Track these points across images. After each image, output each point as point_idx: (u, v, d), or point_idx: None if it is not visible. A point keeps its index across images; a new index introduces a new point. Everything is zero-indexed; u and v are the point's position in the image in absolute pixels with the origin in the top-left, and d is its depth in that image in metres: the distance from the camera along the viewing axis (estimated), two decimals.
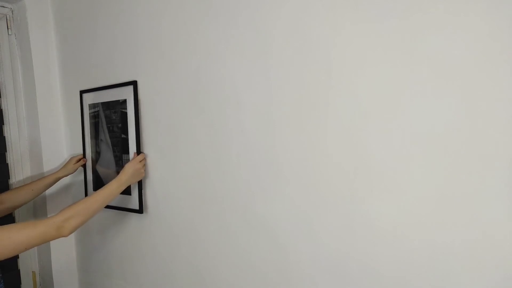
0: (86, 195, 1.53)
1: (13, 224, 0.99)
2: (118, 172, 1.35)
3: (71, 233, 1.06)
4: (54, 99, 1.61)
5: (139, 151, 1.30)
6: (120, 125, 1.35)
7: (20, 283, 1.68)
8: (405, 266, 0.80)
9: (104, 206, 1.17)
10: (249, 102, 1.00)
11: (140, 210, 1.33)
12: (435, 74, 0.72)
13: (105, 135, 1.42)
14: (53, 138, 1.61)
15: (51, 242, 1.63)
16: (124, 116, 1.32)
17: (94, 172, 1.49)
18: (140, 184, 1.31)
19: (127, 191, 1.36)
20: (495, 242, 0.69)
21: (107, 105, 1.39)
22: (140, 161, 1.26)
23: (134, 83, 1.27)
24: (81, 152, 1.53)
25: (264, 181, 1.00)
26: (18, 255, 1.66)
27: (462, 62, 0.70)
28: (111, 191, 1.18)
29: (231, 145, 1.06)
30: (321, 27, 0.85)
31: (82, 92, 1.48)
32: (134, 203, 1.34)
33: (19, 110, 1.61)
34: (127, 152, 1.34)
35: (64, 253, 1.66)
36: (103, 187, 1.19)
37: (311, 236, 0.93)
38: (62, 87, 1.62)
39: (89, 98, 1.46)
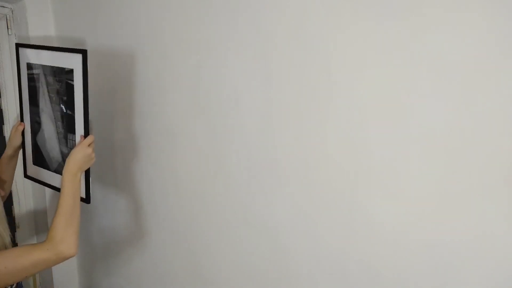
0: (25, 171, 1.39)
1: (8, 250, 0.94)
2: (62, 154, 1.24)
3: (76, 250, 0.99)
4: None
5: (87, 133, 1.15)
6: (65, 98, 1.18)
7: (20, 283, 1.68)
8: (406, 266, 0.80)
9: (78, 203, 1.07)
10: (249, 102, 1.00)
11: (87, 200, 1.21)
12: (435, 74, 0.72)
13: (46, 105, 1.24)
14: None
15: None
16: (70, 88, 1.15)
17: (35, 147, 1.32)
18: (87, 171, 1.18)
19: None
20: (495, 242, 0.70)
21: (50, 70, 1.20)
22: (89, 145, 1.12)
23: (83, 52, 1.09)
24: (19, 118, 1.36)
25: (264, 181, 1.00)
26: None
27: (462, 62, 0.70)
28: (72, 187, 1.07)
29: (231, 145, 1.06)
30: (322, 27, 0.85)
31: (18, 46, 1.27)
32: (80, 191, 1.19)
33: (19, 110, 1.61)
34: (73, 131, 1.18)
35: None
36: (61, 188, 1.07)
37: (311, 236, 0.93)
38: None
39: (28, 56, 1.26)
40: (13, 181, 1.62)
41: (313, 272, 0.94)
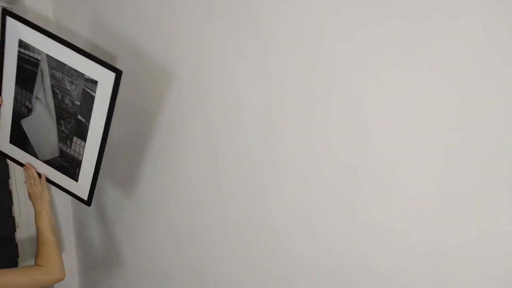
0: None
1: (5, 272, 1.04)
2: (61, 151, 1.24)
3: (64, 274, 1.17)
4: None
5: (102, 152, 1.16)
6: (78, 103, 1.12)
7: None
8: (406, 266, 0.80)
9: (55, 231, 1.23)
10: (249, 102, 1.00)
11: (88, 202, 1.25)
12: (436, 75, 0.72)
13: (45, 96, 1.17)
14: None
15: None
16: (89, 98, 1.09)
17: (17, 126, 1.25)
18: (95, 175, 1.21)
19: (73, 177, 1.25)
20: (496, 242, 0.70)
21: (60, 65, 1.10)
22: (30, 187, 1.25)
23: (118, 73, 1.03)
24: None
25: (264, 181, 1.00)
26: (18, 254, 1.66)
27: (462, 62, 0.70)
28: (47, 221, 1.22)
29: (231, 145, 1.06)
30: (322, 27, 0.85)
31: (5, 13, 1.10)
32: (81, 190, 1.27)
33: None
34: (84, 139, 1.16)
35: (64, 253, 1.65)
36: (38, 224, 1.22)
37: (312, 236, 0.93)
38: None
39: (24, 33, 1.11)
40: (13, 181, 1.63)
41: (313, 272, 0.94)
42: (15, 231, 1.66)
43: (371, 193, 0.83)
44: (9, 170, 1.62)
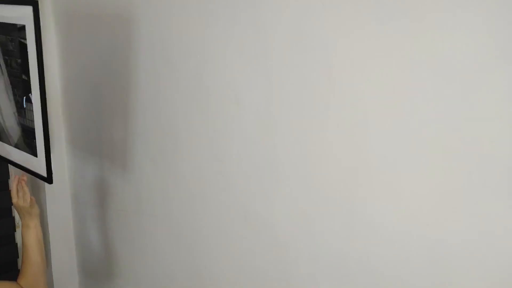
0: None
1: None
2: (22, 126, 1.11)
3: None
4: (54, 98, 1.61)
5: (44, 104, 0.99)
6: (19, 60, 1.02)
7: None
8: (406, 266, 0.80)
9: (42, 247, 1.16)
10: (249, 101, 1.00)
11: (48, 179, 1.10)
12: (436, 75, 0.72)
13: (1, 69, 1.08)
14: None
15: (50, 241, 1.63)
16: (24, 48, 0.98)
17: None
18: (47, 147, 1.06)
19: (33, 153, 1.09)
20: (496, 242, 0.70)
21: (0, 27, 1.02)
22: (16, 200, 1.14)
23: (34, 4, 0.93)
24: None
25: (264, 181, 1.00)
26: (18, 254, 1.66)
27: (462, 62, 0.70)
28: (33, 238, 1.14)
29: (231, 145, 1.06)
30: (322, 27, 0.86)
31: None
32: (42, 170, 1.10)
33: None
34: (30, 100, 1.03)
35: (64, 253, 1.66)
36: (24, 241, 1.14)
37: (311, 235, 0.93)
38: (62, 87, 1.62)
39: None
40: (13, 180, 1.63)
41: (313, 271, 0.94)
42: (15, 231, 1.66)
43: (371, 193, 0.83)
44: (9, 170, 1.62)
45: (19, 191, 1.16)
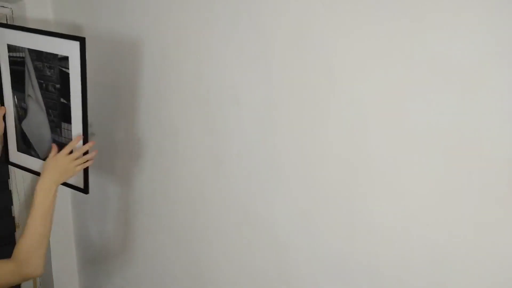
0: (6, 158, 1.31)
1: None
2: (54, 141, 1.18)
3: (42, 271, 0.96)
4: None
5: (86, 127, 1.10)
6: (58, 86, 1.13)
7: (20, 283, 1.68)
8: (406, 266, 0.80)
9: (50, 221, 1.02)
10: (249, 101, 1.00)
11: (85, 190, 1.18)
12: (435, 75, 0.72)
13: (34, 91, 1.18)
14: None
15: (50, 241, 1.63)
16: (65, 77, 1.10)
17: (20, 134, 1.25)
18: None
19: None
20: (496, 242, 0.70)
21: (38, 55, 1.14)
22: (67, 154, 1.05)
23: (81, 40, 1.06)
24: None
25: (264, 181, 1.00)
26: None
27: (462, 62, 0.70)
28: (42, 204, 1.00)
29: (231, 145, 1.06)
30: (322, 27, 0.86)
31: None
32: (78, 181, 1.18)
33: None
34: (69, 121, 1.13)
35: (64, 253, 1.66)
36: (32, 203, 1.02)
37: (312, 235, 0.93)
38: None
39: (8, 37, 1.18)
40: (13, 181, 1.63)
41: (313, 271, 0.94)
42: (15, 231, 1.66)
43: (371, 193, 0.83)
44: (9, 170, 1.62)
45: (75, 154, 1.08)
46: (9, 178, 1.63)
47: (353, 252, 0.87)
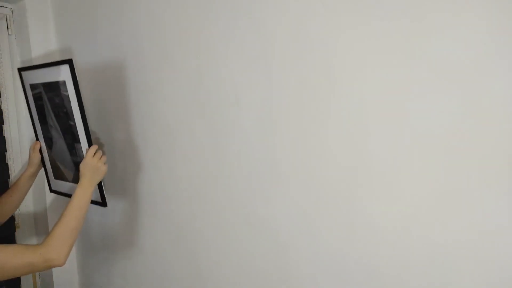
0: (49, 186, 1.44)
1: (3, 245, 0.95)
2: (74, 163, 1.28)
3: (65, 261, 1.01)
4: None
5: (90, 141, 1.18)
6: (65, 110, 1.21)
7: (20, 283, 1.68)
8: (406, 266, 0.80)
9: (84, 215, 1.10)
10: (249, 101, 1.00)
11: (103, 203, 1.25)
12: (435, 75, 0.72)
13: (53, 121, 1.28)
14: None
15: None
16: (68, 100, 1.19)
17: (52, 162, 1.38)
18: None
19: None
20: (496, 242, 0.70)
21: (48, 87, 1.24)
22: (93, 156, 1.16)
23: (69, 62, 1.13)
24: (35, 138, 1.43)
25: (264, 181, 1.00)
26: None
27: (462, 62, 0.70)
28: (80, 200, 1.10)
29: (231, 145, 1.06)
30: (322, 27, 0.86)
31: (20, 70, 1.33)
32: (95, 196, 1.25)
33: (19, 110, 1.61)
34: (78, 140, 1.22)
35: None
36: (71, 199, 1.11)
37: (312, 236, 0.93)
38: None
39: (29, 78, 1.31)
40: (14, 180, 1.63)
41: (313, 271, 0.94)
42: (15, 231, 1.66)
43: (371, 193, 0.83)
44: (9, 170, 1.62)
45: (98, 155, 1.19)
46: (9, 178, 1.63)
47: (353, 252, 0.87)
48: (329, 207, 0.89)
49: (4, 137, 1.61)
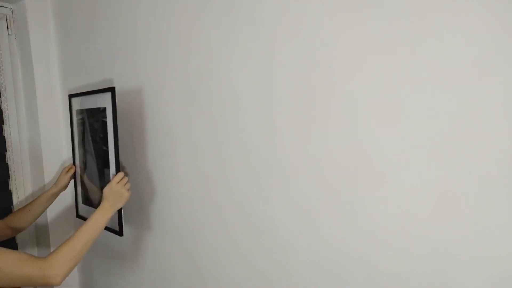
0: (77, 211, 1.45)
1: (6, 250, 0.94)
2: (101, 189, 1.29)
3: (61, 281, 0.99)
4: (54, 99, 1.61)
5: (118, 167, 1.21)
6: (101, 135, 1.26)
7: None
8: (406, 265, 0.80)
9: (95, 238, 1.09)
10: (249, 101, 1.00)
11: (120, 232, 1.25)
12: (435, 75, 0.72)
13: (89, 146, 1.34)
14: (53, 138, 1.61)
15: (50, 240, 1.63)
16: (105, 126, 1.23)
17: (83, 186, 1.41)
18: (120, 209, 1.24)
19: None
20: (495, 242, 0.70)
21: (90, 113, 1.31)
22: (118, 182, 1.16)
23: (112, 90, 1.18)
24: (72, 161, 1.47)
25: (264, 181, 1.00)
26: None
27: (462, 62, 0.70)
28: (96, 222, 1.10)
29: (231, 145, 1.06)
30: (322, 27, 0.86)
31: (70, 97, 1.42)
32: (113, 224, 1.27)
33: (19, 110, 1.61)
34: (108, 166, 1.25)
35: None
36: (88, 218, 1.10)
37: (312, 236, 0.93)
38: (62, 87, 1.62)
39: (76, 103, 1.40)
40: (13, 182, 1.63)
41: (313, 271, 0.94)
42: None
43: (371, 193, 0.83)
44: (9, 170, 1.62)
45: (123, 181, 1.19)
46: (9, 178, 1.63)
47: (353, 252, 0.87)
48: (329, 207, 0.89)
49: (4, 137, 1.61)
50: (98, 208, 1.13)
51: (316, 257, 0.93)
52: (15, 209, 1.65)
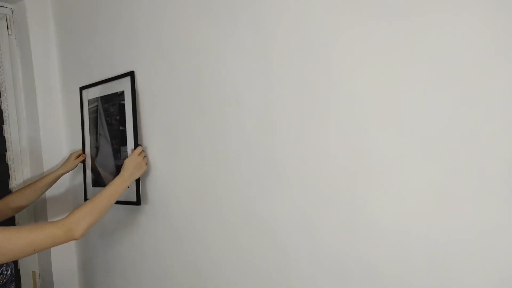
0: (85, 193, 1.51)
1: (22, 225, 0.99)
2: (116, 166, 1.36)
3: (82, 235, 1.06)
4: (54, 98, 1.61)
5: (136, 143, 1.28)
6: (118, 117, 1.34)
7: (20, 283, 1.68)
8: (406, 266, 0.80)
9: (112, 203, 1.17)
10: (249, 102, 1.00)
11: (137, 202, 1.31)
12: (435, 75, 0.72)
13: (103, 129, 1.41)
14: (53, 137, 1.61)
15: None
16: (122, 108, 1.32)
17: (94, 170, 1.47)
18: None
19: None
20: (495, 242, 0.70)
21: (105, 99, 1.39)
22: (138, 155, 1.25)
23: (131, 74, 1.27)
24: (81, 148, 1.52)
25: (264, 181, 1.00)
26: None
27: (462, 62, 0.70)
28: (116, 187, 1.18)
29: (231, 145, 1.06)
30: (322, 28, 0.85)
31: (82, 89, 1.48)
32: (131, 195, 1.32)
33: (19, 110, 1.61)
34: (125, 144, 1.33)
35: (64, 253, 1.66)
36: (108, 185, 1.18)
37: (312, 236, 0.93)
38: (62, 87, 1.62)
39: (88, 94, 1.46)
40: (13, 181, 1.63)
41: (313, 271, 0.94)
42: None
43: (371, 193, 0.83)
44: (9, 170, 1.62)
45: (142, 154, 1.28)
46: (9, 178, 1.63)
47: (353, 252, 0.87)
48: (329, 207, 0.89)
49: (4, 137, 1.61)
50: (118, 176, 1.20)
51: (316, 257, 0.93)
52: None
